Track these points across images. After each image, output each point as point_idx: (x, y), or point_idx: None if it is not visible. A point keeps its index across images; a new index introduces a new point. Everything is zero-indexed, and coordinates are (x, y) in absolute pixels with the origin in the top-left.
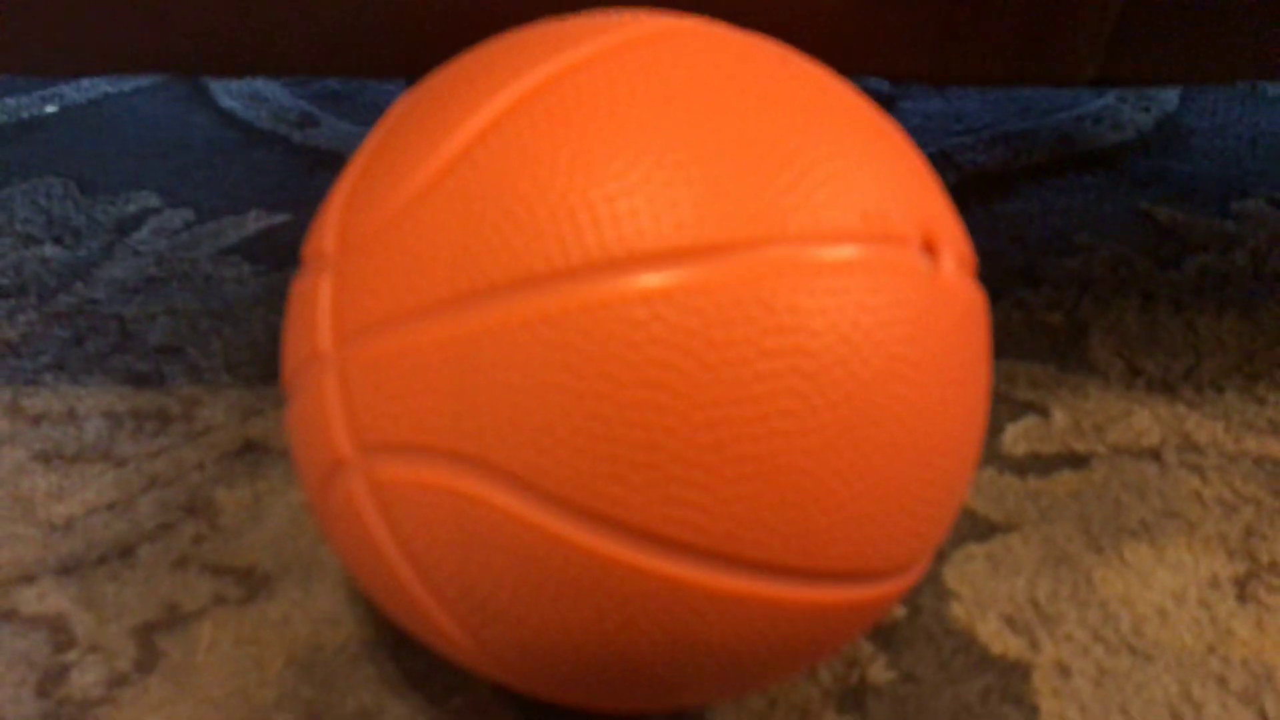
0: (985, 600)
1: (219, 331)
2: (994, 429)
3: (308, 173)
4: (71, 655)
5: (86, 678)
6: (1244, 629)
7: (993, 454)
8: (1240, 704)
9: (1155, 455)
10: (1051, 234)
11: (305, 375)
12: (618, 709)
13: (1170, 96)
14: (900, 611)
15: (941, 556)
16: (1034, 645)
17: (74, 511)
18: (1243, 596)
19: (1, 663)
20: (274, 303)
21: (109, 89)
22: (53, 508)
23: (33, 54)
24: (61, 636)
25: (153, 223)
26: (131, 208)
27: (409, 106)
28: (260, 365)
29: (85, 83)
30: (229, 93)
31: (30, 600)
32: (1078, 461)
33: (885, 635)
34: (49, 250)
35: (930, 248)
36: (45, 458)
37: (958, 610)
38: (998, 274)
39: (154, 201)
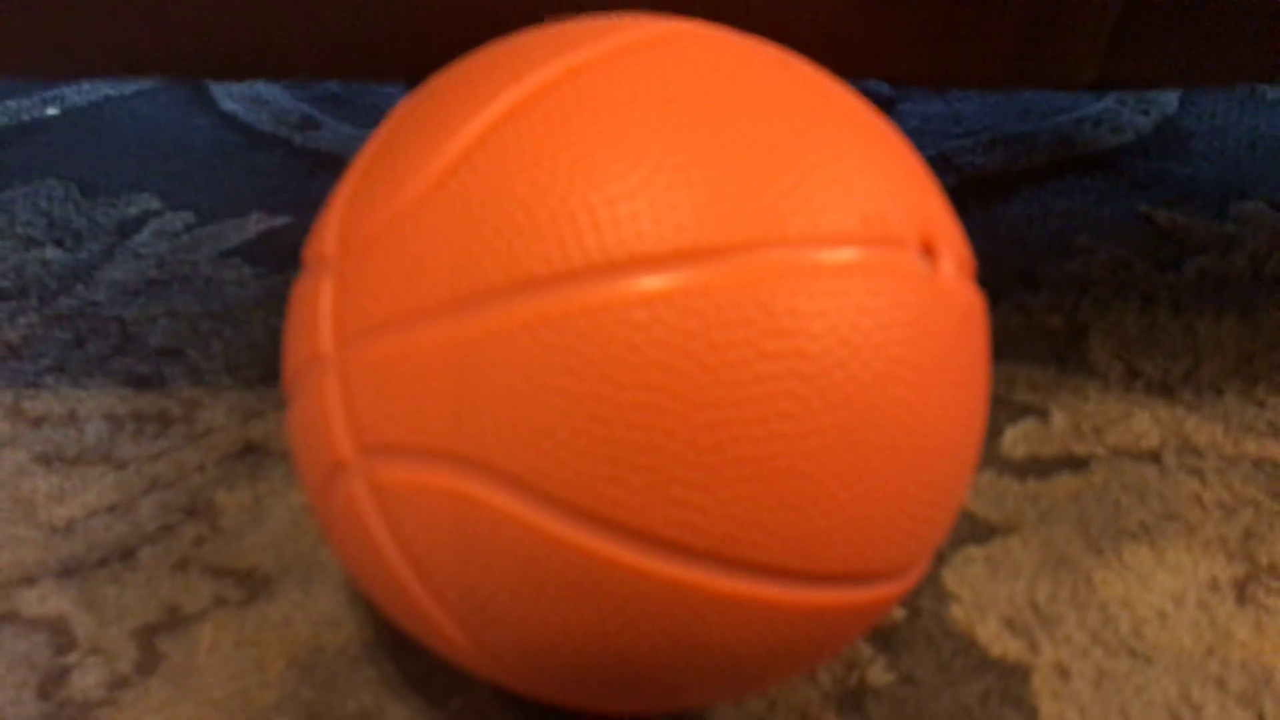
0: (985, 602)
1: (220, 334)
2: (993, 431)
3: (308, 175)
4: (72, 657)
5: (87, 679)
6: (1243, 631)
7: (992, 456)
8: (1239, 706)
9: (1155, 457)
10: (1051, 237)
11: (306, 377)
12: (617, 711)
13: (1169, 99)
14: (900, 614)
15: (941, 559)
16: (1033, 647)
17: (75, 514)
18: (1242, 599)
19: (2, 665)
20: (274, 305)
21: (110, 92)
22: (54, 510)
23: (34, 56)
24: (62, 638)
25: (154, 225)
26: (132, 210)
27: (410, 110)
28: (261, 367)
29: (86, 85)
30: (230, 95)
31: (31, 602)
32: (1077, 464)
33: (885, 637)
34: (50, 252)
35: (929, 250)
36: (46, 460)
37: (957, 612)
38: (997, 276)
39: (155, 204)
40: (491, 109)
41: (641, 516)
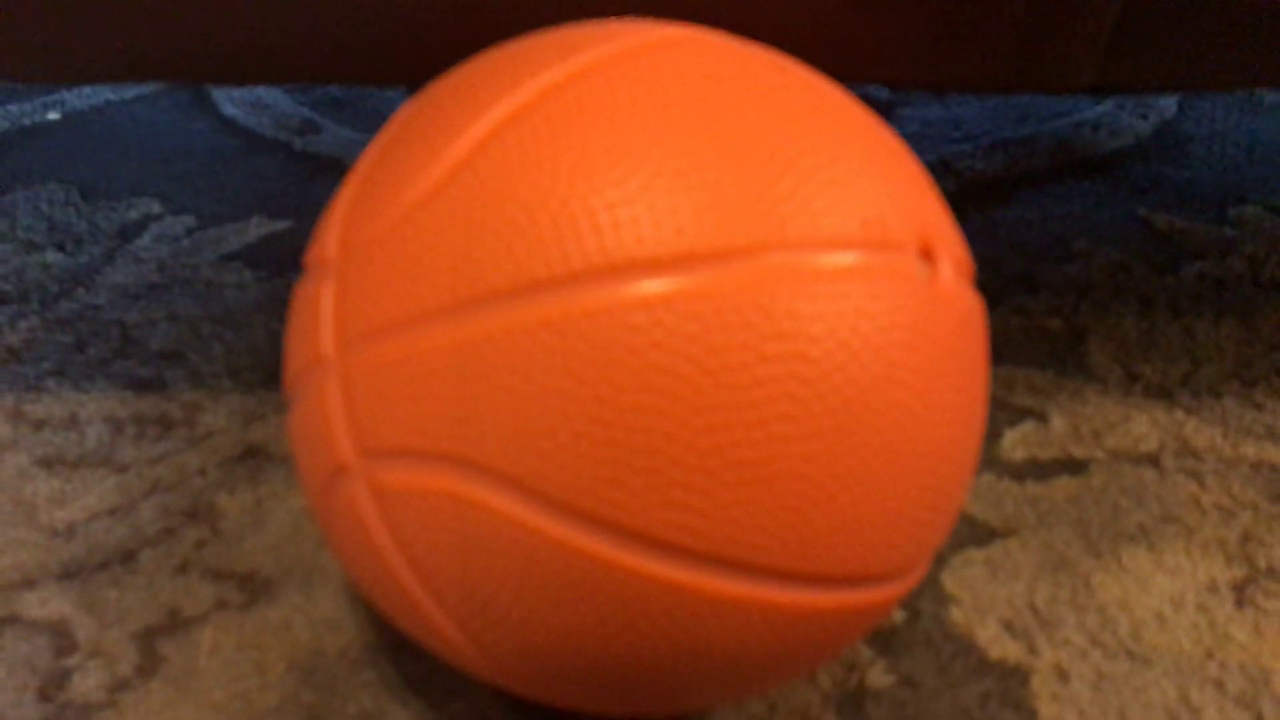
0: (984, 605)
1: (220, 337)
2: (993, 434)
3: (309, 179)
4: (73, 660)
5: (88, 682)
6: (1242, 634)
7: (991, 459)
8: (1238, 708)
9: (1153, 461)
10: (1050, 240)
11: (307, 380)
12: (618, 713)
13: (1168, 104)
14: (899, 616)
15: (940, 561)
16: (1032, 650)
17: (76, 517)
18: (1240, 601)
19: (3, 667)
20: (275, 308)
21: (111, 96)
22: (55, 513)
23: (35, 61)
24: (63, 641)
25: (154, 229)
26: (133, 214)
27: (411, 114)
28: (262, 371)
29: (87, 90)
30: (231, 100)
31: (32, 605)
32: (1076, 467)
33: (884, 640)
34: (51, 256)
35: (928, 254)
36: (47, 463)
37: (957, 615)
38: (997, 280)
39: (156, 208)
40: (492, 114)
41: (641, 519)
